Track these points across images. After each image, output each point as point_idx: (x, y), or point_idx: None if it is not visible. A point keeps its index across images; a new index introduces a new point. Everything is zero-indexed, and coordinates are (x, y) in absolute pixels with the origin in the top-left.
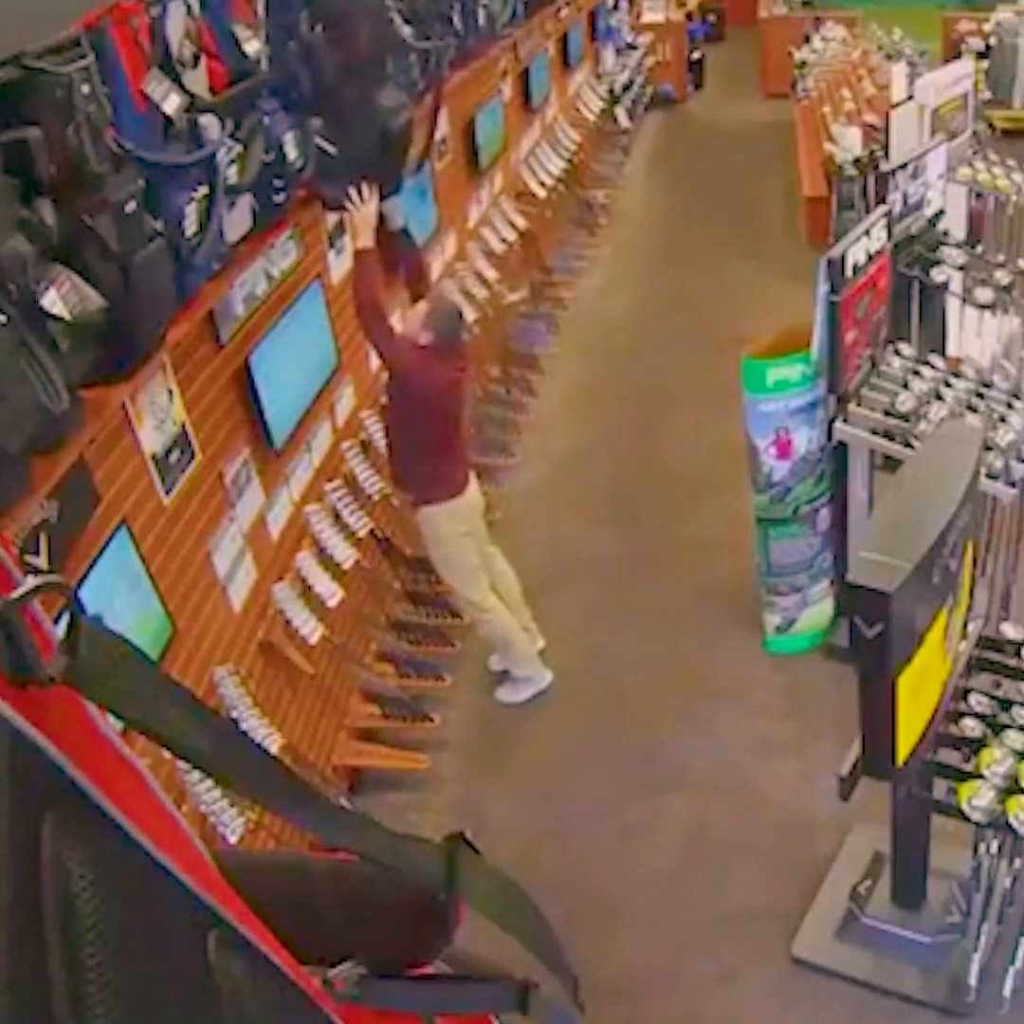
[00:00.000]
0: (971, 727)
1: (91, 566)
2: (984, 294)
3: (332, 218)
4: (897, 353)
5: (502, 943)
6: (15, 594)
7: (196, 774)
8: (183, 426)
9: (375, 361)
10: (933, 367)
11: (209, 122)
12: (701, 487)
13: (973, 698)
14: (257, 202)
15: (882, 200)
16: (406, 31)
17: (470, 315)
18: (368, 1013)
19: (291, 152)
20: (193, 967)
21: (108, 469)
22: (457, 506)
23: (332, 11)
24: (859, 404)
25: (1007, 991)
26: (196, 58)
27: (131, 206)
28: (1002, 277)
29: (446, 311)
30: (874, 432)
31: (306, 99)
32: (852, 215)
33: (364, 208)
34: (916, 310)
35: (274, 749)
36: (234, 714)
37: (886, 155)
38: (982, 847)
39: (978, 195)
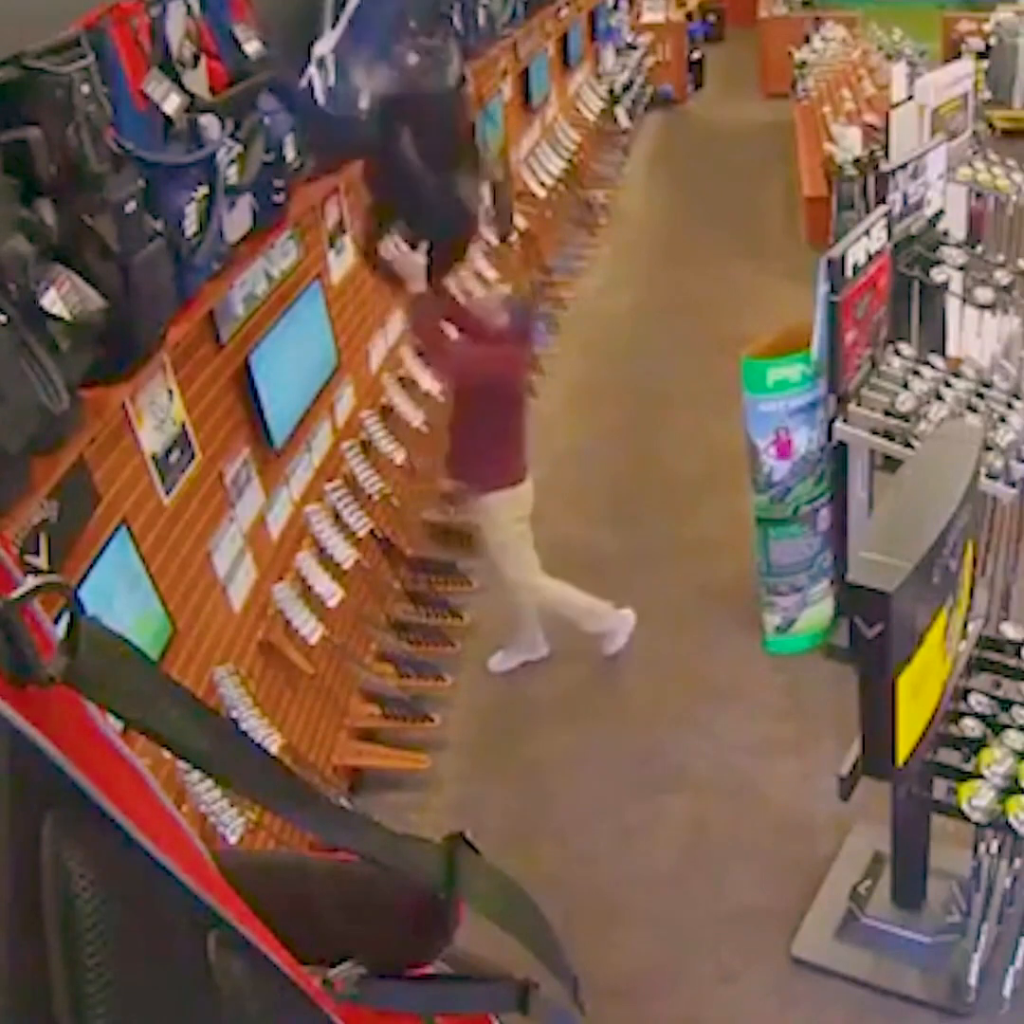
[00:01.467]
0: (971, 727)
1: (91, 566)
2: (984, 294)
3: (332, 218)
4: (897, 353)
5: (502, 943)
6: (15, 594)
7: (196, 774)
8: (183, 426)
9: (375, 363)
10: (933, 367)
11: (209, 122)
12: (701, 487)
13: (973, 698)
14: (257, 202)
15: (882, 200)
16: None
17: None
18: (368, 1013)
19: (291, 152)
20: (193, 967)
21: (108, 469)
22: (520, 493)
23: (417, 120)
24: (859, 404)
25: (1007, 991)
26: (196, 58)
27: (131, 206)
28: (1002, 277)
29: (519, 299)
30: (874, 432)
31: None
32: (852, 215)
33: (415, 257)
34: (916, 310)
35: (274, 749)
36: (234, 714)
37: (886, 155)
38: (982, 847)
39: (978, 195)
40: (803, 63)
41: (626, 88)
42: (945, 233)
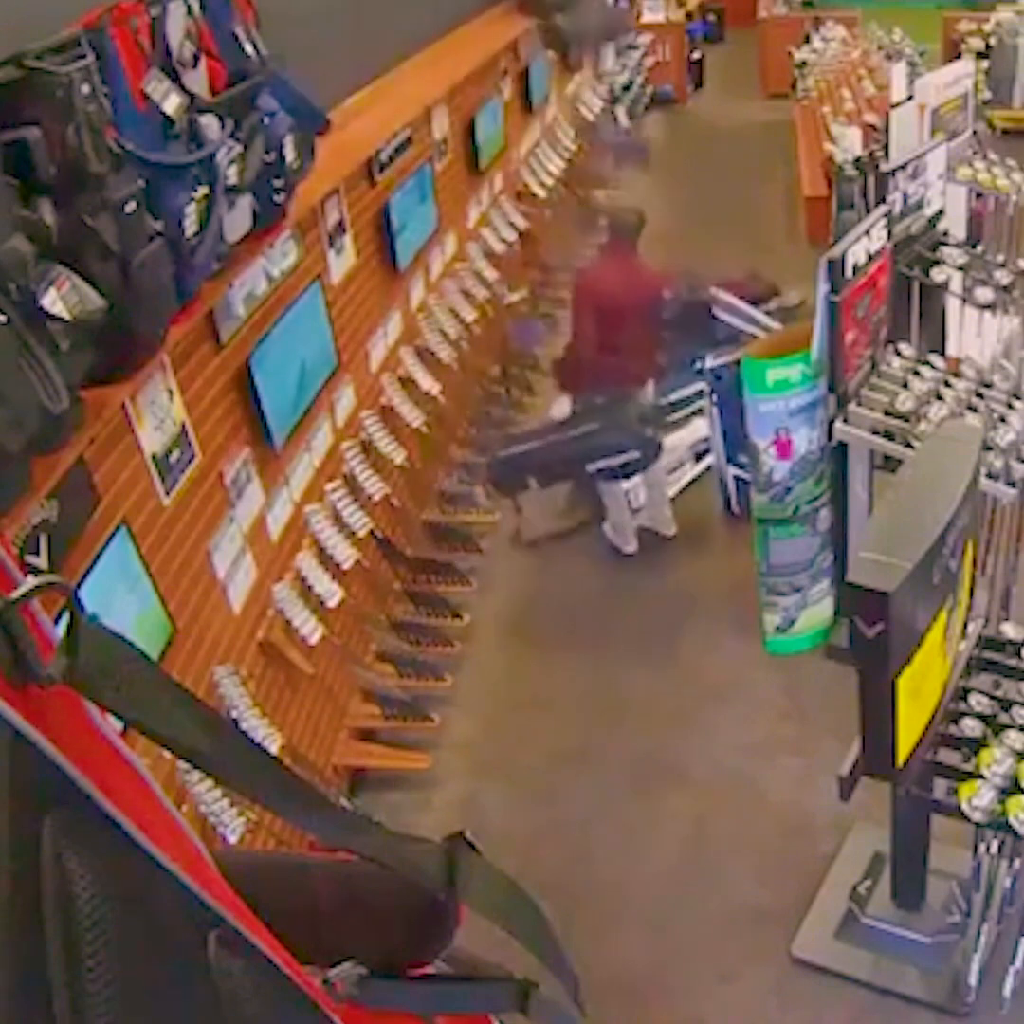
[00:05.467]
0: (971, 727)
1: (91, 566)
2: (984, 294)
3: (332, 218)
4: (897, 353)
5: (502, 943)
6: (15, 594)
7: (196, 774)
8: (183, 426)
9: (375, 363)
10: (933, 367)
11: (209, 122)
12: (698, 486)
13: (973, 698)
14: (257, 202)
15: (882, 200)
16: None
17: (470, 315)
18: (368, 1013)
19: (291, 152)
20: (193, 967)
21: (108, 469)
22: None
23: None
24: (859, 404)
25: (1007, 991)
26: (196, 58)
27: (131, 206)
28: (1002, 277)
29: (622, 210)
30: (874, 432)
31: None
32: (852, 215)
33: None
34: (916, 310)
35: (274, 749)
36: (234, 714)
37: (886, 155)
38: (982, 847)
39: (978, 195)
40: (803, 63)
41: (626, 88)
42: (945, 233)
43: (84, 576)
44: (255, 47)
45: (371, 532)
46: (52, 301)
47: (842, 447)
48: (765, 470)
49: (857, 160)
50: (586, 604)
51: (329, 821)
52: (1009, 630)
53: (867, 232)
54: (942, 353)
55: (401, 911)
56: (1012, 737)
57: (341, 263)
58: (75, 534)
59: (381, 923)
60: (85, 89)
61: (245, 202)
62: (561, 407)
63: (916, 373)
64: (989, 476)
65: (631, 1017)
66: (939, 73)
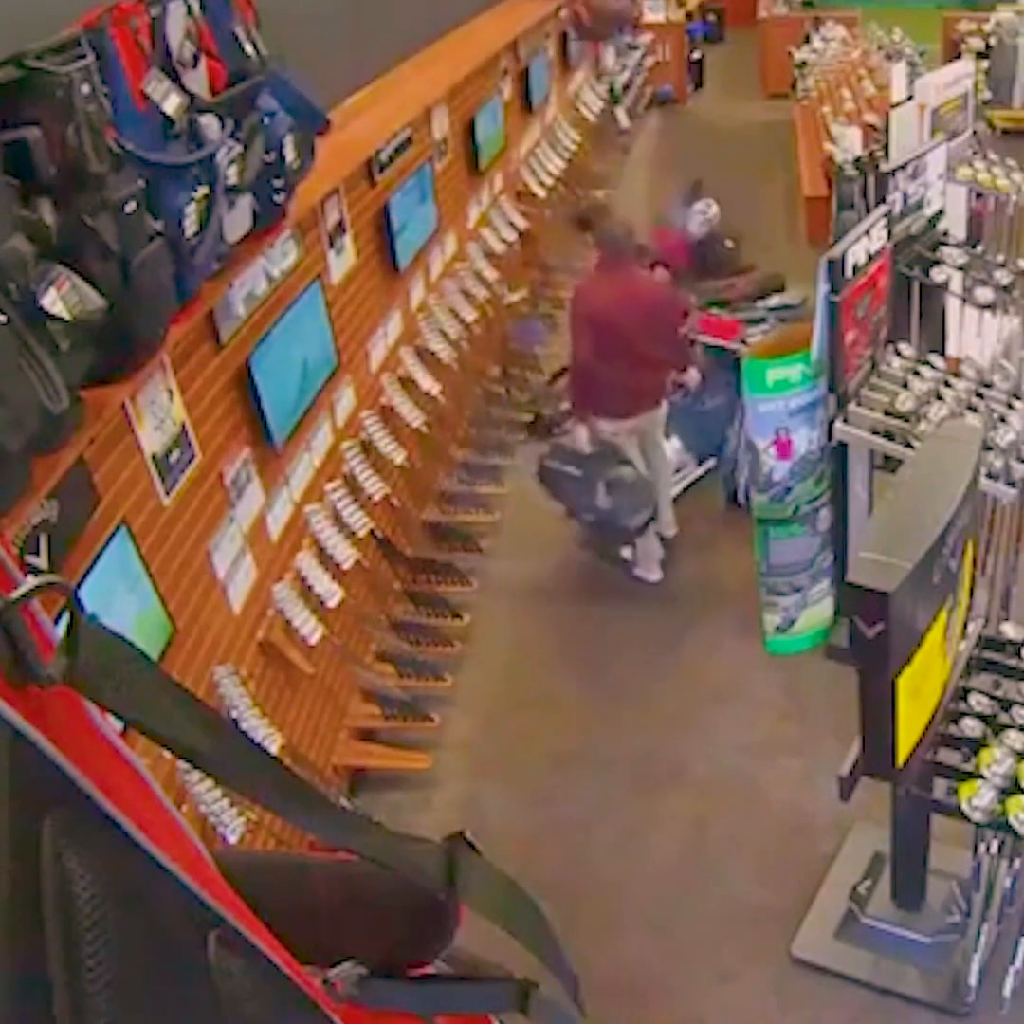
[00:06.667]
0: (971, 727)
1: (91, 566)
2: (984, 294)
3: (332, 218)
4: (897, 353)
5: (502, 943)
6: (15, 594)
7: (196, 774)
8: (183, 426)
9: (375, 363)
10: (933, 367)
11: (209, 122)
12: (700, 486)
13: (973, 698)
14: (257, 202)
15: (882, 200)
16: None
17: (470, 315)
18: (368, 1013)
19: (291, 152)
20: (193, 967)
21: (108, 469)
22: (606, 426)
23: None
24: (859, 404)
25: (1007, 991)
26: (196, 58)
27: (131, 206)
28: (1002, 277)
29: (611, 225)
30: (874, 432)
31: None
32: (852, 215)
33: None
34: (916, 310)
35: (274, 749)
36: (234, 714)
37: (886, 155)
38: (982, 847)
39: (978, 195)
40: (803, 63)
41: (626, 88)
42: (945, 233)
43: (84, 576)
44: (255, 47)
45: (371, 532)
46: (52, 301)
47: (842, 447)
48: (765, 470)
49: (857, 160)
50: (586, 604)
51: (329, 821)
52: (1009, 630)
53: (867, 232)
54: (942, 353)
55: (401, 911)
56: (1012, 737)
57: (341, 263)
58: (75, 534)
59: (381, 923)
60: (85, 89)
61: (245, 202)
62: (579, 436)
63: (916, 373)
64: (989, 476)
65: (631, 1017)
66: (939, 73)
